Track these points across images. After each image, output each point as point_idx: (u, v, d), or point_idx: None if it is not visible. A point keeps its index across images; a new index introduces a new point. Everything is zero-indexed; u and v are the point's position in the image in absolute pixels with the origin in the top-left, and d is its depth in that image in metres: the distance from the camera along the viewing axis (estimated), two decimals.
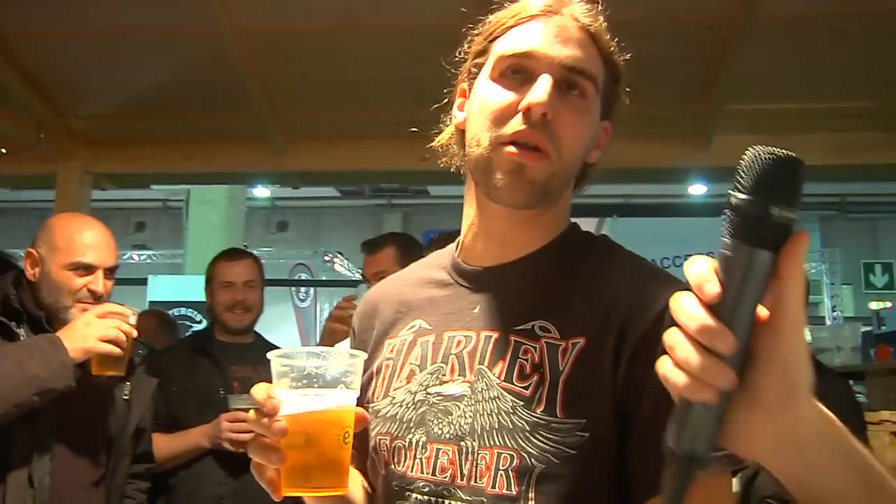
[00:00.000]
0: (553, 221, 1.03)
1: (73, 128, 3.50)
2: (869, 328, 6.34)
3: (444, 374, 0.98)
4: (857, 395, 3.96)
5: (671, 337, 0.60)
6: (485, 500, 0.89)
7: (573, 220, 1.07)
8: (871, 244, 12.49)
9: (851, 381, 3.85)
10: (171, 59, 3.00)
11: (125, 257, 10.82)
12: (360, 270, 3.35)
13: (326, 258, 11.56)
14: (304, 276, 11.89)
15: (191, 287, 7.71)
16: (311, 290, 11.73)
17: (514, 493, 0.88)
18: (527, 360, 0.92)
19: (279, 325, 10.23)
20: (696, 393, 0.58)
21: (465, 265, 1.05)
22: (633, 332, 0.89)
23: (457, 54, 1.07)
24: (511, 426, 0.89)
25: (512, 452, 0.89)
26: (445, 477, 0.93)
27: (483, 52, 1.02)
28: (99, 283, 1.96)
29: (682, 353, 0.59)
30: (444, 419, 0.95)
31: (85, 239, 1.97)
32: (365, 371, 1.08)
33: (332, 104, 3.23)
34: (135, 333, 1.90)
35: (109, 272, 2.00)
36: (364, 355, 0.95)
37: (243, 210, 10.63)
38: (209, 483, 2.49)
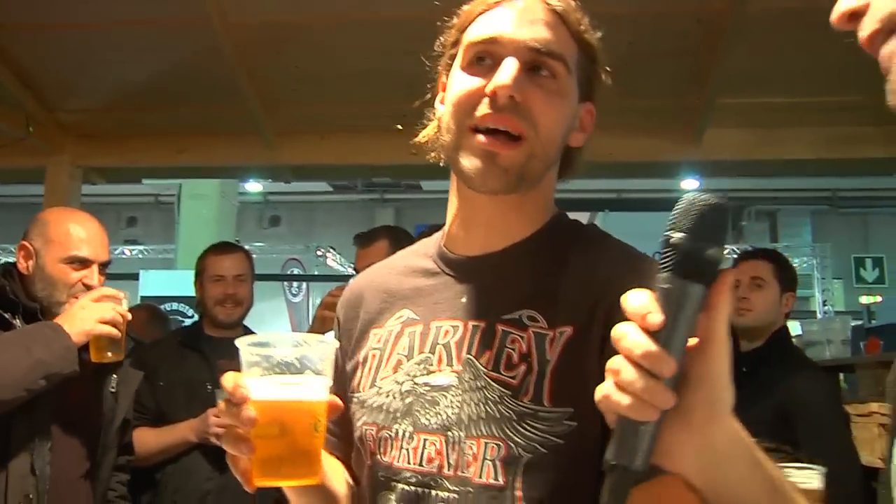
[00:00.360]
0: (538, 207, 1.02)
1: (62, 121, 3.48)
2: (860, 322, 6.35)
3: (431, 364, 0.97)
4: (847, 386, 3.99)
5: (615, 363, 0.65)
6: (472, 490, 0.89)
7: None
8: (861, 239, 12.54)
9: (842, 374, 3.89)
10: (162, 52, 2.99)
11: (116, 252, 10.77)
12: (352, 265, 3.34)
13: (319, 253, 11.56)
14: (296, 271, 11.89)
15: (182, 282, 7.65)
16: (304, 284, 11.73)
17: (502, 482, 0.88)
18: (514, 349, 0.92)
19: (271, 320, 10.24)
20: (639, 412, 0.63)
21: (451, 254, 1.05)
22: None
23: (434, 49, 1.06)
24: (498, 416, 0.89)
25: (499, 442, 0.88)
26: (432, 467, 0.92)
27: (456, 43, 1.01)
28: (94, 277, 1.96)
29: (627, 376, 0.64)
30: (432, 409, 0.94)
31: (81, 233, 1.98)
32: (350, 360, 1.07)
33: (324, 97, 3.22)
34: (129, 316, 1.92)
35: (102, 267, 2.01)
36: (336, 343, 0.94)
37: (235, 205, 10.60)
38: (196, 478, 2.49)
